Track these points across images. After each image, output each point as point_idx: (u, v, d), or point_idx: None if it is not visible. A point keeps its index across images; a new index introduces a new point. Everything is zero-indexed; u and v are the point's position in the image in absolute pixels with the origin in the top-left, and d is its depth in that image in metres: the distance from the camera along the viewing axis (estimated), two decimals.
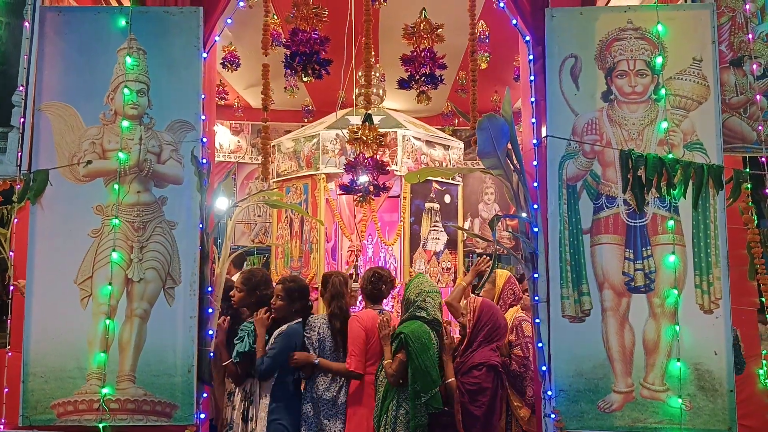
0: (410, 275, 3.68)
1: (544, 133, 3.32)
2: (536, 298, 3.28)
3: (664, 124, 3.23)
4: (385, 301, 5.46)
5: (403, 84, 3.73)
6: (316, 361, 3.58)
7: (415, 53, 3.73)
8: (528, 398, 3.55)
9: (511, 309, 3.79)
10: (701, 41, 3.26)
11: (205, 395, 3.35)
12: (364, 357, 3.53)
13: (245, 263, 8.11)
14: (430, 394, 3.25)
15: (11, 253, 3.36)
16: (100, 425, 3.10)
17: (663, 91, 3.25)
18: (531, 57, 3.46)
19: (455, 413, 3.31)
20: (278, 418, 3.53)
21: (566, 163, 3.26)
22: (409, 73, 3.73)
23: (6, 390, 3.24)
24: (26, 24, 3.34)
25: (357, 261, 6.05)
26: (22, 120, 3.29)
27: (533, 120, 3.42)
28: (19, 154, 3.26)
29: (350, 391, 3.57)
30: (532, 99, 3.43)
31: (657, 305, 3.16)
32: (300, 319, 3.70)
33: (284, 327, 3.63)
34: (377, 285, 3.71)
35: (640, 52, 3.29)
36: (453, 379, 3.32)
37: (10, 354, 3.25)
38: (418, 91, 3.74)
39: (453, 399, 3.32)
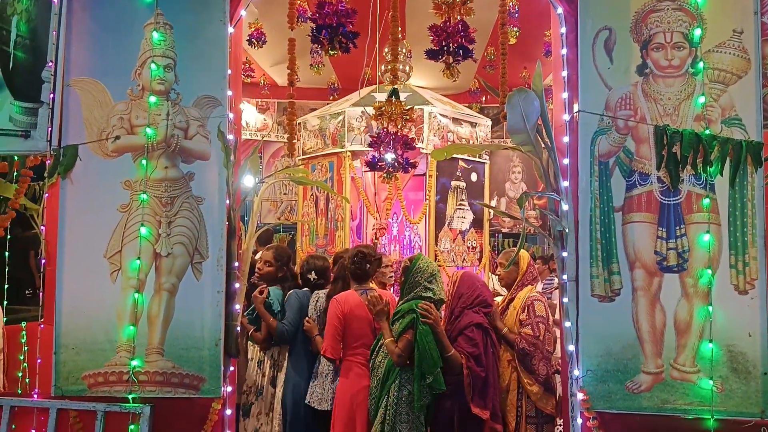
0: (406, 261, 3.46)
1: (576, 108, 3.23)
2: (564, 277, 3.23)
3: (702, 99, 3.12)
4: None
5: (432, 54, 3.64)
6: (315, 336, 3.67)
7: (446, 23, 3.63)
8: (540, 376, 3.51)
9: (525, 288, 3.73)
10: (742, 12, 3.14)
11: (231, 369, 3.38)
12: (337, 343, 3.45)
13: (274, 240, 8.19)
14: (433, 375, 3.19)
15: (42, 228, 3.41)
16: (130, 396, 3.16)
17: (701, 65, 3.14)
18: (563, 30, 3.36)
19: (464, 378, 3.26)
20: (294, 384, 3.70)
21: (598, 139, 3.18)
22: (441, 45, 3.64)
23: (39, 361, 3.31)
24: (55, 0, 3.35)
25: (377, 239, 6.03)
26: (51, 96, 3.32)
27: (565, 95, 3.34)
28: (49, 129, 3.29)
29: (340, 382, 3.54)
30: (564, 73, 3.34)
31: (690, 285, 3.08)
32: (306, 289, 3.91)
33: (289, 293, 3.85)
34: (362, 265, 3.59)
35: (677, 24, 3.17)
36: (453, 351, 3.27)
37: (42, 326, 3.32)
38: (445, 64, 3.65)
39: (456, 368, 3.26)
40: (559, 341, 3.78)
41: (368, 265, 3.62)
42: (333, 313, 3.47)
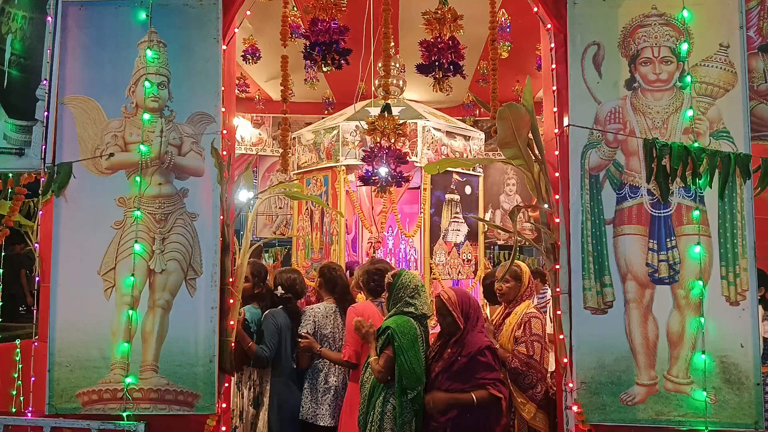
0: (389, 277, 3.53)
1: (566, 122, 3.26)
2: (558, 289, 3.24)
3: (690, 112, 3.15)
4: None
5: (423, 69, 3.68)
6: (319, 350, 3.71)
7: (438, 39, 3.68)
8: (536, 394, 3.49)
9: (522, 304, 3.70)
10: (728, 26, 3.18)
11: (226, 385, 3.38)
12: (359, 347, 3.56)
13: (265, 255, 8.19)
14: (416, 392, 3.20)
15: (36, 245, 3.41)
16: (124, 414, 3.15)
17: (688, 79, 3.18)
18: (553, 45, 3.40)
19: (504, 401, 3.19)
20: (280, 403, 3.72)
21: (588, 152, 3.21)
22: (432, 59, 3.68)
23: (33, 379, 3.31)
24: (49, 18, 3.38)
25: (375, 253, 6.05)
26: (45, 113, 3.34)
27: (555, 109, 3.37)
28: (44, 147, 3.31)
29: (349, 386, 3.68)
30: (554, 87, 3.38)
31: (681, 297, 3.10)
32: (281, 307, 3.90)
33: (265, 314, 3.86)
34: (381, 282, 3.69)
35: (664, 39, 3.22)
36: (478, 393, 3.14)
37: (36, 344, 3.31)
38: (435, 79, 3.69)
39: (493, 404, 3.17)
40: (552, 355, 3.78)
41: (371, 282, 3.76)
42: (353, 321, 3.55)
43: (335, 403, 3.71)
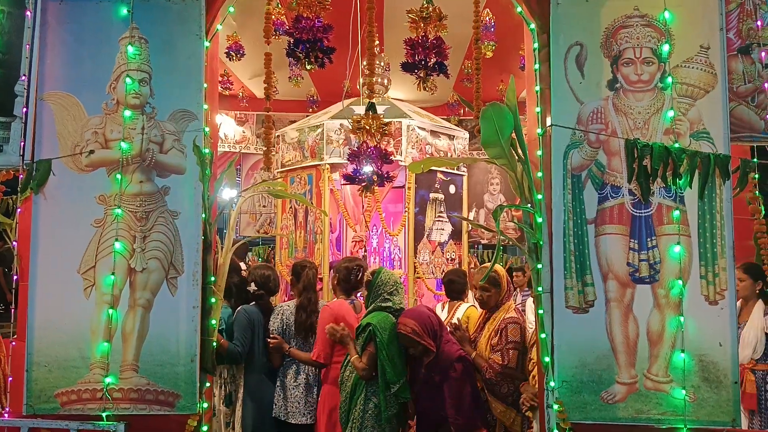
0: (368, 275, 3.62)
1: (548, 122, 3.28)
2: (539, 288, 3.26)
3: (671, 113, 3.18)
4: None
5: (407, 67, 3.68)
6: (288, 349, 3.73)
7: (423, 38, 3.67)
8: (516, 399, 3.49)
9: (501, 308, 3.68)
10: (709, 28, 3.21)
11: (207, 385, 3.36)
12: (328, 347, 3.59)
13: (250, 253, 8.14)
14: (399, 385, 3.25)
15: (15, 243, 3.36)
16: (104, 414, 3.12)
17: (669, 80, 3.20)
18: (536, 45, 3.41)
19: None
20: (254, 400, 3.73)
21: (571, 152, 3.22)
22: (417, 58, 3.68)
23: (10, 379, 3.26)
24: (28, 13, 3.33)
25: (365, 251, 6.05)
26: (24, 110, 3.29)
27: (537, 109, 3.39)
28: (22, 143, 3.26)
29: (323, 388, 3.68)
30: (537, 88, 3.39)
31: (662, 296, 3.13)
32: (253, 303, 3.90)
33: (237, 310, 3.85)
34: (361, 279, 3.74)
35: (646, 40, 3.24)
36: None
37: (14, 344, 3.26)
38: (420, 78, 3.69)
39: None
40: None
41: (361, 278, 3.78)
42: (327, 320, 3.57)
43: (306, 400, 3.72)
